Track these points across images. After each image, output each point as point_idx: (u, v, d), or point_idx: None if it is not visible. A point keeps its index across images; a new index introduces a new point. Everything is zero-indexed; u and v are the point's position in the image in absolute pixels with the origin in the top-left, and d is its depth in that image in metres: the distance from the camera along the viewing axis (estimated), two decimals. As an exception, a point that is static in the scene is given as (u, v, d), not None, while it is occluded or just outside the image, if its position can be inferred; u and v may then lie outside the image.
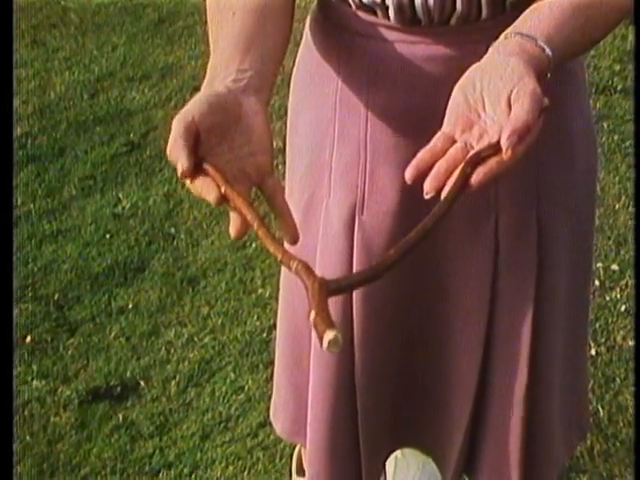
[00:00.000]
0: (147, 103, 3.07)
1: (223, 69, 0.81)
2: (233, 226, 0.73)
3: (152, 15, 3.69)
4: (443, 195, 0.73)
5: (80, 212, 2.59)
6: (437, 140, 0.77)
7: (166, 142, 0.75)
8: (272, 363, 2.08)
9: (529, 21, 0.83)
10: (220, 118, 0.76)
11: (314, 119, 1.09)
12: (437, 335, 1.15)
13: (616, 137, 2.73)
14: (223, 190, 0.73)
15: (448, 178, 0.74)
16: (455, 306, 1.12)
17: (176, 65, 3.32)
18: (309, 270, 0.67)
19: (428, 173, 0.75)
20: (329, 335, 0.60)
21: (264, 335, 2.13)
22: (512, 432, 1.18)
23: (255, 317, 2.19)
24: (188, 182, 0.75)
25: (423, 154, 0.76)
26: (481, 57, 0.81)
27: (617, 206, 2.46)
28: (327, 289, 0.64)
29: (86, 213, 2.58)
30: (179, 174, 0.73)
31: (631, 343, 2.04)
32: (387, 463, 1.48)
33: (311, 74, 1.10)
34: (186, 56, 3.36)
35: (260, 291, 2.28)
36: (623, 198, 2.48)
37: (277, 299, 2.25)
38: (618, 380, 1.94)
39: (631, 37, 3.21)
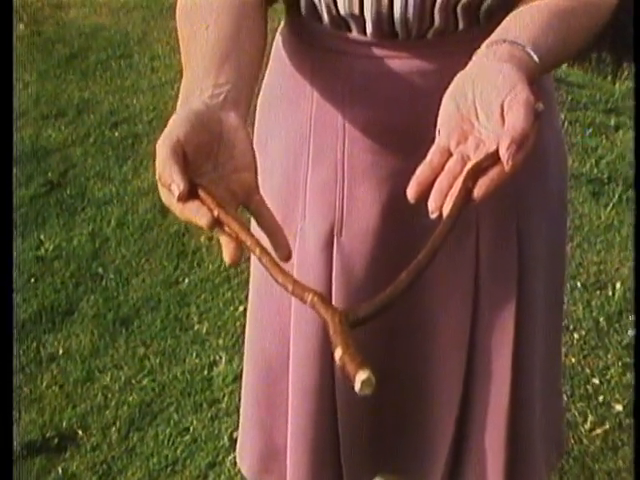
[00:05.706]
0: (64, 141, 2.96)
1: (199, 84, 0.78)
2: (227, 252, 0.68)
3: (63, 51, 3.61)
4: (445, 212, 0.71)
5: (1, 256, 2.48)
6: (434, 154, 0.75)
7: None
8: (216, 401, 2.03)
9: (513, 29, 0.82)
10: (203, 137, 0.73)
11: (286, 140, 1.06)
12: (419, 355, 1.13)
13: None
14: (216, 214, 0.68)
15: (449, 193, 0.72)
16: (437, 325, 1.11)
17: (92, 100, 3.24)
18: (326, 302, 0.61)
19: (430, 189, 0.72)
20: (362, 376, 0.55)
21: (205, 373, 2.07)
22: (495, 451, 1.16)
23: (194, 355, 2.12)
24: (176, 206, 0.70)
25: (423, 170, 0.74)
26: (457, 70, 0.79)
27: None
28: (348, 322, 0.59)
29: (7, 257, 2.47)
30: (175, 197, 0.69)
31: (573, 360, 2.07)
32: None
33: (281, 94, 1.07)
34: (102, 91, 3.29)
35: (197, 327, 2.21)
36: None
37: (215, 334, 2.21)
38: (564, 397, 1.95)
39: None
